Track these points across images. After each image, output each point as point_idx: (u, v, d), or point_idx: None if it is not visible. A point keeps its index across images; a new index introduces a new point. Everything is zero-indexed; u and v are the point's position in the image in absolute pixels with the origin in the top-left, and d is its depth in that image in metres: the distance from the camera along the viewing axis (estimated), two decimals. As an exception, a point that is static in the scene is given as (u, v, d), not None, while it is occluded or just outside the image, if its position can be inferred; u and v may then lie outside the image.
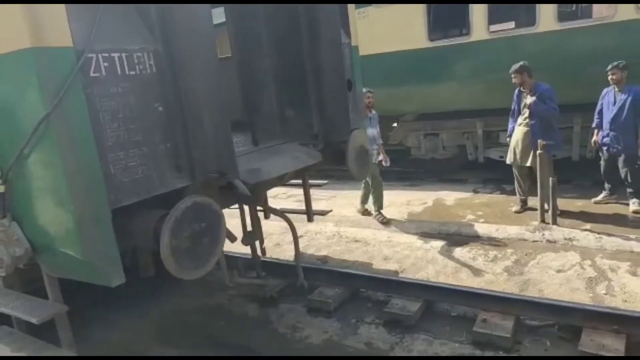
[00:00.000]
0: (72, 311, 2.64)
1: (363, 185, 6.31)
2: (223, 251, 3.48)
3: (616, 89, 5.53)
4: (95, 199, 2.09)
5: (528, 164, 5.68)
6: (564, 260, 4.44)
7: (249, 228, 4.18)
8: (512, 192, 6.23)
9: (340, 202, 7.22)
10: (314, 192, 6.87)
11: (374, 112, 6.14)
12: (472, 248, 4.93)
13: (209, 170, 2.55)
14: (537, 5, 6.53)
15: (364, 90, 5.23)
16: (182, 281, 2.87)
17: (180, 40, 2.37)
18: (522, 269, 4.41)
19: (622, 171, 5.66)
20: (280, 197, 7.71)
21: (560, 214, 5.48)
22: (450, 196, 6.98)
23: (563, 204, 5.81)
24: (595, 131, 5.88)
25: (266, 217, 4.27)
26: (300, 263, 4.29)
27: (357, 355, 3.47)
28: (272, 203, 4.96)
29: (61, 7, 1.97)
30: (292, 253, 4.30)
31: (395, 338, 3.61)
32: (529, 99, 5.57)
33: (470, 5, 6.95)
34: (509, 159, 5.97)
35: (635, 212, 5.51)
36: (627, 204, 5.66)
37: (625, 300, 3.70)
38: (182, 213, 2.28)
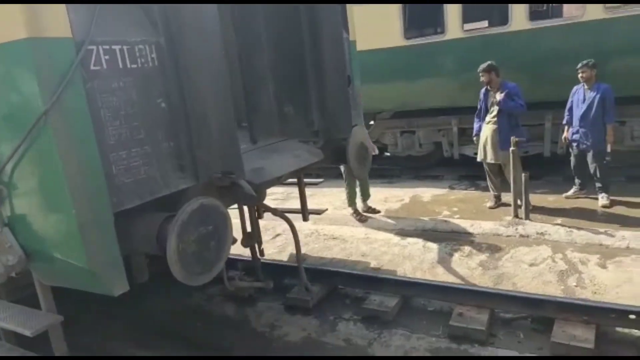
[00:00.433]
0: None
1: (347, 185, 6.16)
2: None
3: (585, 87, 5.68)
4: (97, 201, 1.97)
5: (498, 160, 5.80)
6: (536, 254, 4.55)
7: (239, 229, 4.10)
8: (487, 188, 6.34)
9: (320, 200, 7.23)
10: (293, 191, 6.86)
11: None
12: (448, 243, 5.00)
13: (214, 171, 2.44)
14: (510, 4, 6.66)
15: None
16: (156, 281, 2.83)
17: (185, 33, 2.25)
18: (497, 263, 4.50)
19: (591, 167, 5.83)
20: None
21: (533, 209, 5.61)
22: (426, 193, 7.07)
23: (535, 199, 5.95)
24: (566, 128, 6.03)
25: (259, 217, 4.14)
26: (302, 264, 4.18)
27: (338, 353, 3.48)
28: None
29: None
30: (272, 251, 4.29)
31: (373, 334, 3.64)
32: (498, 96, 5.68)
33: (444, 4, 7.04)
34: (479, 157, 6.08)
35: (603, 206, 5.68)
36: (596, 199, 5.83)
37: (595, 292, 3.82)
38: (189, 216, 2.18)
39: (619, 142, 6.39)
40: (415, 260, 4.79)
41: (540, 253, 4.56)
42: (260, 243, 4.14)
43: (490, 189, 6.18)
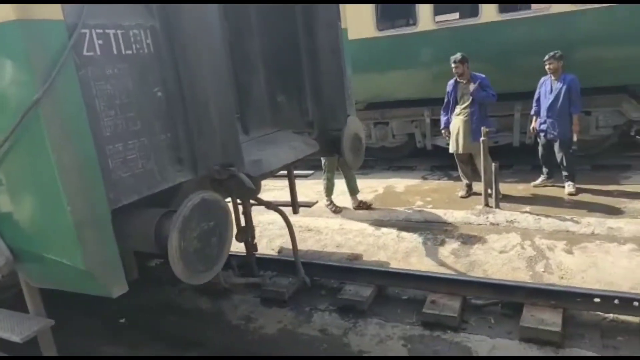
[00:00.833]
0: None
1: (326, 177, 6.06)
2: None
3: (553, 78, 5.82)
4: (93, 198, 1.86)
5: (471, 150, 5.90)
6: (506, 242, 4.66)
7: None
8: (459, 178, 6.45)
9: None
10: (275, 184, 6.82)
11: None
12: (421, 233, 5.08)
13: (214, 163, 2.33)
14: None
15: None
16: (128, 277, 2.77)
17: (182, 16, 2.14)
18: (468, 251, 4.59)
19: (558, 156, 5.99)
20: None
21: (503, 198, 5.74)
22: (400, 183, 7.14)
23: (505, 188, 6.09)
24: (534, 118, 6.18)
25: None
26: (299, 258, 4.11)
27: (312, 339, 3.50)
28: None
29: None
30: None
31: (348, 323, 3.67)
32: (470, 87, 5.77)
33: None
34: (452, 149, 6.16)
35: (570, 194, 5.85)
36: (563, 187, 6.00)
37: (562, 277, 3.94)
38: (190, 211, 2.08)
39: (585, 131, 6.59)
40: (390, 250, 4.85)
41: (510, 240, 4.68)
42: (253, 237, 4.04)
43: (462, 179, 6.30)
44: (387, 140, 8.29)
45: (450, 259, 4.48)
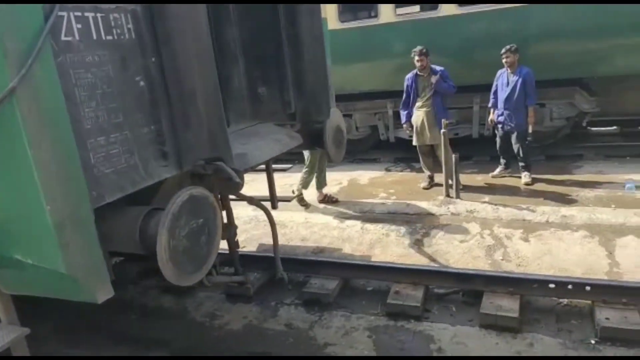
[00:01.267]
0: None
1: (308, 171, 5.96)
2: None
3: (509, 71, 5.99)
4: (74, 196, 1.71)
5: (436, 141, 6.00)
6: (466, 231, 4.79)
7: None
8: (421, 170, 6.57)
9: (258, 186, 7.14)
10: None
11: None
12: (385, 224, 5.14)
13: (201, 157, 2.21)
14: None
15: None
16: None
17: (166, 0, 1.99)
18: (430, 241, 4.69)
19: (515, 147, 6.19)
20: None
21: (463, 188, 5.89)
22: (364, 176, 7.20)
23: (465, 179, 6.25)
24: (491, 110, 6.35)
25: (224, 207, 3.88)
26: (279, 255, 4.02)
27: (278, 333, 3.49)
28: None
29: None
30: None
31: (314, 317, 3.68)
32: (433, 79, 5.86)
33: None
34: (416, 142, 6.25)
35: (526, 184, 6.07)
36: (520, 177, 6.21)
37: (519, 265, 4.09)
38: (179, 208, 1.98)
39: (540, 123, 6.83)
40: (354, 242, 4.89)
41: (470, 230, 4.81)
42: (235, 234, 3.89)
43: (424, 170, 6.41)
44: (350, 133, 8.30)
45: (413, 250, 4.57)
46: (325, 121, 3.44)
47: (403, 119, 6.29)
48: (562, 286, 3.42)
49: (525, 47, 6.18)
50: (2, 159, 1.65)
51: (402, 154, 7.88)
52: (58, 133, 1.66)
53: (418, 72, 5.99)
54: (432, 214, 5.34)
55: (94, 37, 1.82)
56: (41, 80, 1.60)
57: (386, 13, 7.16)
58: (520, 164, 6.22)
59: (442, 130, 5.62)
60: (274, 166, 4.05)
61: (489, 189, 6.02)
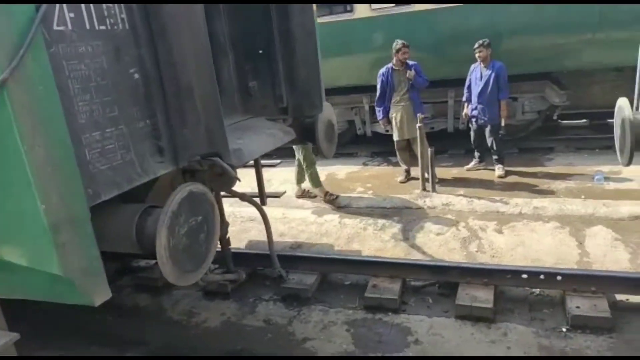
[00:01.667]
0: None
1: (297, 164, 5.97)
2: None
3: (482, 65, 6.08)
4: (70, 194, 1.63)
5: (412, 135, 6.05)
6: (442, 224, 4.86)
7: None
8: (398, 164, 6.62)
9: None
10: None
11: None
12: (362, 219, 5.18)
13: (199, 153, 2.14)
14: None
15: None
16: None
17: None
18: (407, 234, 4.74)
19: (489, 140, 6.31)
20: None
21: (439, 182, 5.98)
22: (341, 170, 7.23)
23: (441, 172, 6.33)
24: (466, 104, 6.44)
25: None
26: (274, 252, 3.97)
27: (257, 329, 3.48)
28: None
29: None
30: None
31: (293, 312, 3.69)
32: (409, 74, 5.91)
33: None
34: (397, 137, 6.28)
35: (499, 176, 6.19)
36: (493, 170, 6.33)
37: (493, 256, 4.18)
38: (178, 206, 1.93)
39: (512, 116, 6.97)
40: (332, 236, 4.91)
41: (446, 222, 4.89)
42: (226, 232, 3.81)
43: (401, 164, 6.47)
44: (327, 128, 8.32)
45: (391, 243, 4.61)
46: (317, 116, 3.40)
47: (380, 114, 6.29)
48: (534, 276, 3.50)
49: (498, 42, 6.28)
50: None
51: (379, 148, 7.93)
52: (52, 128, 1.57)
53: (394, 67, 6.01)
54: (409, 208, 5.40)
55: (87, 26, 1.74)
56: (33, 72, 1.51)
57: (361, 8, 7.17)
58: (494, 157, 6.34)
59: (418, 125, 5.67)
60: (262, 161, 4.01)
61: (464, 182, 6.11)
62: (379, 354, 3.11)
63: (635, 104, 3.26)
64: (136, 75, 1.96)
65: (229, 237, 3.72)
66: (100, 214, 1.80)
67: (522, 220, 4.75)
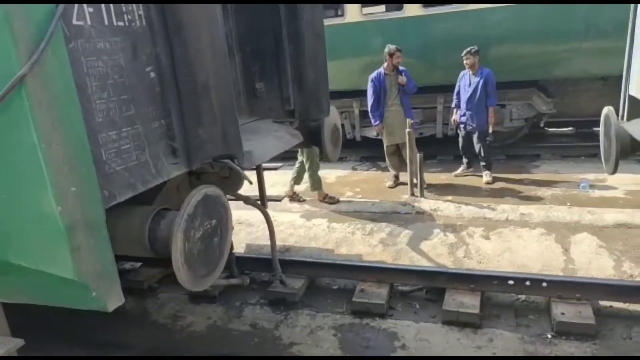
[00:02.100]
0: None
1: (298, 166, 5.94)
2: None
3: (471, 72, 6.14)
4: (86, 195, 1.58)
5: (402, 140, 6.06)
6: (430, 229, 4.88)
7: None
8: (387, 169, 6.65)
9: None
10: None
11: None
12: (351, 223, 5.17)
13: (214, 154, 2.09)
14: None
15: None
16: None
17: None
18: (395, 239, 4.75)
19: (477, 147, 6.36)
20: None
21: (427, 187, 6.00)
22: (331, 174, 7.22)
23: (429, 177, 6.37)
24: (455, 110, 6.49)
25: None
26: (277, 256, 3.90)
27: (243, 333, 3.46)
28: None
29: None
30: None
31: (280, 316, 3.67)
32: (400, 79, 5.94)
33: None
34: (388, 141, 6.28)
35: (487, 182, 6.24)
36: (481, 176, 6.39)
37: (480, 262, 4.20)
38: (194, 209, 1.88)
39: (500, 123, 7.05)
40: (320, 240, 4.90)
41: (434, 228, 4.90)
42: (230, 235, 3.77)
43: (390, 169, 6.49)
44: (317, 131, 8.33)
45: (379, 248, 4.62)
46: (324, 119, 3.36)
47: (375, 120, 6.21)
48: (520, 282, 3.53)
49: (486, 49, 6.35)
50: (8, 155, 1.50)
51: (368, 152, 7.95)
52: (70, 127, 1.52)
53: (385, 72, 6.04)
54: (398, 213, 5.41)
55: (106, 22, 1.70)
56: (53, 67, 1.45)
57: (352, 12, 7.20)
58: (482, 163, 6.40)
59: (408, 130, 5.70)
60: (263, 165, 3.97)
61: (452, 188, 6.15)
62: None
63: (620, 113, 3.31)
64: (152, 74, 1.92)
65: (232, 242, 3.65)
66: (111, 215, 1.76)
67: (509, 226, 4.78)
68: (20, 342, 2.09)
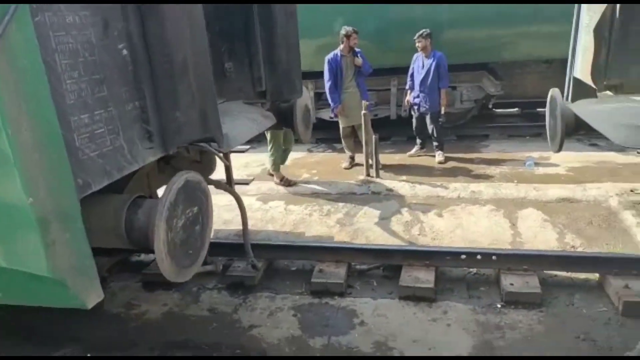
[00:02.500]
0: None
1: (270, 153, 5.76)
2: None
3: (423, 55, 6.23)
4: (59, 184, 1.44)
5: (358, 122, 6.09)
6: (386, 209, 4.96)
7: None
8: (342, 150, 6.68)
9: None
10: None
11: None
12: (308, 205, 5.18)
13: (192, 138, 1.96)
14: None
15: None
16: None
17: None
18: (352, 219, 4.80)
19: (430, 127, 6.50)
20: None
21: (382, 168, 6.09)
22: (286, 157, 7.17)
23: (384, 158, 6.46)
24: (408, 92, 6.59)
25: None
26: (249, 240, 3.75)
27: (201, 318, 3.40)
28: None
29: None
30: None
31: (238, 300, 3.63)
32: (356, 60, 5.95)
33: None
34: (345, 123, 6.28)
35: (440, 162, 6.41)
36: (434, 156, 6.55)
37: (434, 238, 4.32)
38: (175, 196, 1.77)
39: (451, 105, 7.22)
40: (278, 223, 4.87)
41: (389, 207, 4.99)
42: None
43: (345, 151, 6.53)
44: (272, 114, 8.22)
45: (336, 228, 4.65)
46: (295, 100, 3.28)
47: (334, 102, 6.14)
48: (472, 257, 3.66)
49: (438, 33, 6.45)
50: None
51: (323, 134, 7.95)
52: (39, 109, 1.37)
53: (342, 54, 6.01)
54: (354, 193, 5.47)
55: None
56: (18, 43, 1.31)
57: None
58: (434, 143, 6.55)
59: (364, 112, 5.73)
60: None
61: (407, 168, 6.28)
62: (325, 337, 3.14)
63: (565, 94, 3.46)
64: (124, 52, 1.78)
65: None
66: (83, 206, 1.63)
67: (460, 204, 4.94)
68: None
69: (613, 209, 4.55)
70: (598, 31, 3.02)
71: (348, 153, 6.51)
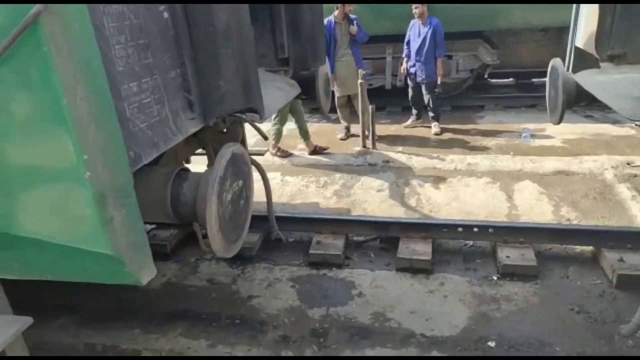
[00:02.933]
0: None
1: (274, 122, 5.65)
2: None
3: (420, 22, 6.09)
4: (114, 158, 1.35)
5: (353, 92, 6.00)
6: (382, 181, 4.96)
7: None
8: (338, 121, 6.60)
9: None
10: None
11: None
12: (304, 176, 5.15)
13: (235, 108, 1.87)
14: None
15: None
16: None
17: None
18: (349, 191, 4.79)
19: (425, 98, 6.43)
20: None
21: (378, 139, 6.05)
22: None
23: (379, 129, 6.40)
24: (405, 60, 6.47)
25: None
26: (273, 213, 3.69)
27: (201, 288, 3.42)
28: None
29: None
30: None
31: (237, 270, 3.64)
32: (351, 28, 5.80)
33: None
34: (340, 92, 6.18)
35: (435, 133, 6.38)
36: (430, 127, 6.51)
37: (431, 211, 4.34)
38: (224, 170, 1.72)
39: (447, 74, 7.13)
40: (275, 194, 4.81)
41: (386, 179, 4.99)
42: None
43: (341, 122, 6.45)
44: (265, 82, 8.07)
45: (333, 200, 4.65)
46: (318, 68, 3.13)
47: (330, 70, 6.10)
48: (468, 229, 3.68)
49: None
50: (25, 115, 1.24)
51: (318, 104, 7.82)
52: (92, 77, 1.26)
53: (336, 21, 5.86)
54: (350, 165, 5.44)
55: None
56: (68, 5, 1.19)
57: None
58: (430, 114, 6.50)
59: (360, 81, 5.64)
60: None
61: (402, 139, 6.24)
62: (324, 308, 3.17)
63: (566, 65, 3.40)
64: (165, 14, 1.66)
65: None
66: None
67: (457, 176, 4.95)
68: (28, 320, 1.91)
69: (608, 182, 4.58)
70: (603, -2, 2.93)
71: (343, 123, 6.44)
